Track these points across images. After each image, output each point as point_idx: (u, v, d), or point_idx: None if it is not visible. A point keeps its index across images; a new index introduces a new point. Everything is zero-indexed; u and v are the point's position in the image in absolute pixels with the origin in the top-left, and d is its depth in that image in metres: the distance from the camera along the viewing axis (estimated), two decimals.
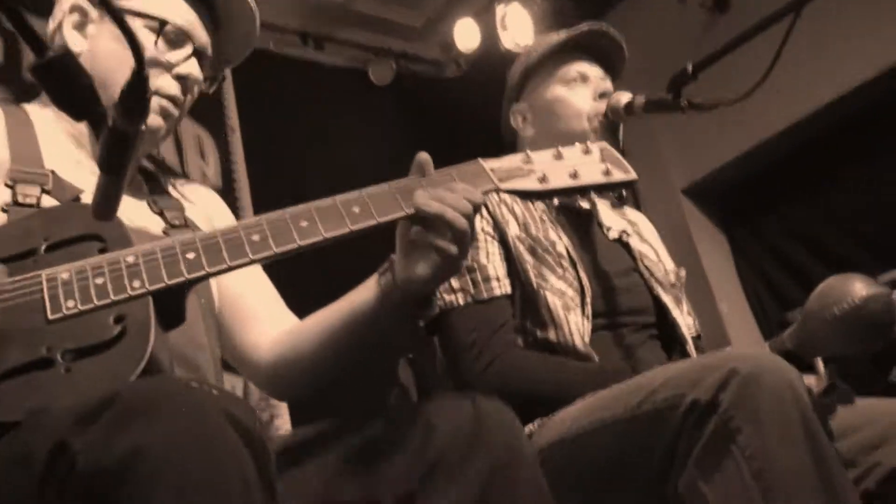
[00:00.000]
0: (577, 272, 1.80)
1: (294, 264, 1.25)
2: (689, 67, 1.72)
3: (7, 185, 1.25)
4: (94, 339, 1.02)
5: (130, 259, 1.09)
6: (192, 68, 1.42)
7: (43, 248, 1.13)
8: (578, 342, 1.72)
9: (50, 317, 1.03)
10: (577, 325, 1.73)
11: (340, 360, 1.34)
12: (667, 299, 1.92)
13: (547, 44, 2.05)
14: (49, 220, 1.19)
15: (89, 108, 0.75)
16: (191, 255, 1.10)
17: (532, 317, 1.75)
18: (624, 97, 1.91)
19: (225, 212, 1.59)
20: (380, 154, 3.32)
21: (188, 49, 1.43)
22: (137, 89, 0.77)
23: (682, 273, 2.02)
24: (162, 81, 1.39)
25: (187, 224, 1.44)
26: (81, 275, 1.08)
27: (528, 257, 1.80)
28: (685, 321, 1.95)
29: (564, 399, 1.60)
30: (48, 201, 1.26)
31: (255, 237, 1.14)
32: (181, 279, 1.09)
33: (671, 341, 1.90)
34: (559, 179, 1.31)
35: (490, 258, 1.80)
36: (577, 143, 1.39)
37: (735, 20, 3.74)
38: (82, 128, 1.41)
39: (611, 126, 1.94)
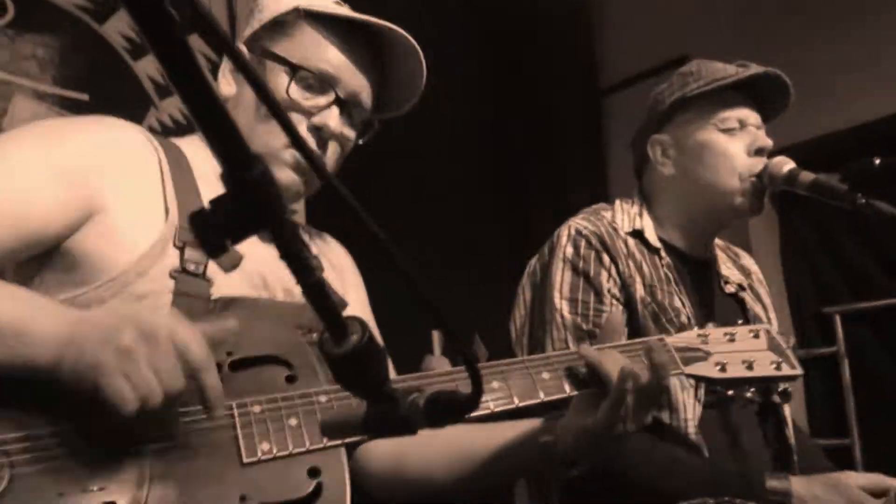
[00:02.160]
0: None
1: None
2: (877, 161, 1.63)
3: (176, 247, 1.22)
4: (290, 494, 1.04)
5: (323, 399, 1.10)
6: (330, 118, 1.34)
7: (227, 364, 1.11)
8: (692, 430, 1.75)
9: (245, 459, 1.04)
10: (691, 410, 1.76)
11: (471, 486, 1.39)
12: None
13: (712, 77, 1.93)
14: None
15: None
16: None
17: None
18: (786, 165, 1.83)
19: (357, 280, 1.54)
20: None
21: (329, 96, 1.35)
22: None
23: (792, 341, 2.01)
24: None
25: None
26: (274, 412, 1.08)
27: (651, 324, 1.80)
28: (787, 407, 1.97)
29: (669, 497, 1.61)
30: (213, 269, 1.22)
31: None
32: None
33: (767, 414, 1.92)
34: (736, 370, 1.41)
35: None
36: (741, 325, 1.48)
37: None
38: None
39: (759, 190, 1.88)
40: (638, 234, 1.94)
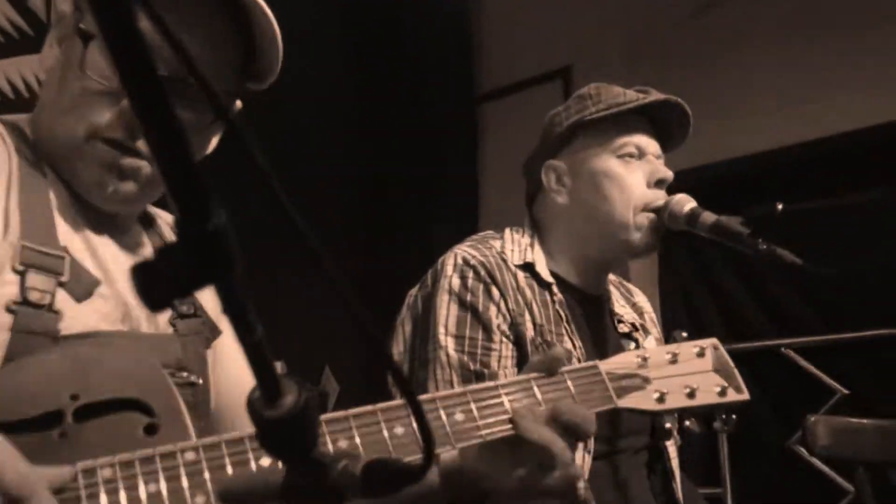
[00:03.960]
0: None
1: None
2: (779, 207, 1.78)
3: (16, 271, 1.11)
4: None
5: (190, 457, 1.00)
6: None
7: (71, 413, 1.01)
8: (581, 486, 1.79)
9: None
10: (580, 463, 1.78)
11: None
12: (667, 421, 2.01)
13: (612, 101, 2.00)
14: (78, 361, 1.07)
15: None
16: (265, 461, 1.02)
17: None
18: (687, 203, 1.91)
19: None
20: None
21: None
22: None
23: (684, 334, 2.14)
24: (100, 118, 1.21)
25: (197, 313, 1.34)
26: (129, 477, 0.97)
27: None
28: (675, 448, 2.05)
29: None
30: (63, 298, 1.14)
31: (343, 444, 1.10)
32: None
33: (655, 463, 2.01)
34: (676, 399, 1.41)
35: (502, 363, 1.82)
36: (687, 341, 1.49)
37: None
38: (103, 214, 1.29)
39: (657, 227, 1.95)
40: (528, 268, 1.97)
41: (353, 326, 0.63)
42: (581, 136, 2.04)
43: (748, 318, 4.18)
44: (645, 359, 1.42)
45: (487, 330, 1.85)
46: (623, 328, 2.09)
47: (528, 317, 1.88)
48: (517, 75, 4.51)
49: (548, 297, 1.95)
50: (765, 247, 1.79)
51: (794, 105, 3.85)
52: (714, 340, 1.51)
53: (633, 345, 2.05)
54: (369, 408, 1.14)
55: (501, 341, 1.84)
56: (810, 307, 3.99)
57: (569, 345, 1.90)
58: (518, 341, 1.86)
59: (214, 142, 1.37)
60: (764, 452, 3.90)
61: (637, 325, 2.14)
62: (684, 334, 1.54)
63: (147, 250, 1.35)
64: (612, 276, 2.19)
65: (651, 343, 2.18)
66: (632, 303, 2.21)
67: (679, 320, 4.41)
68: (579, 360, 1.90)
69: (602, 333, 2.04)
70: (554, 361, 1.31)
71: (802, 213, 1.73)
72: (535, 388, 1.28)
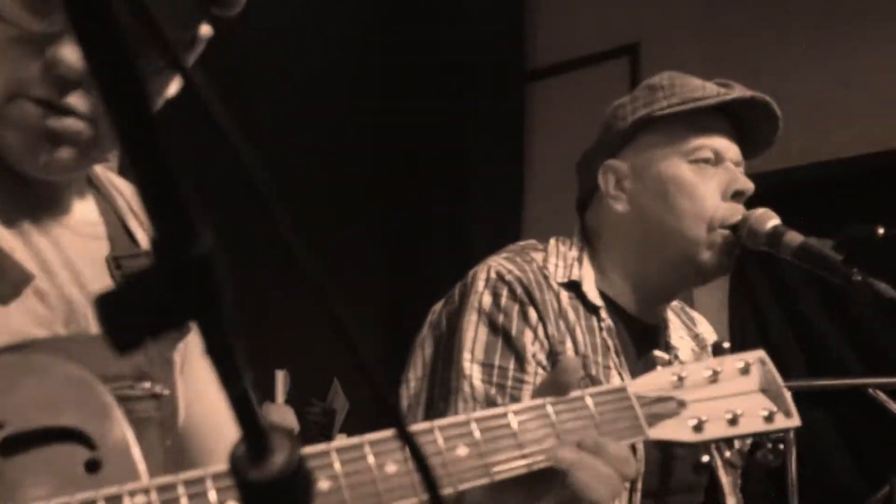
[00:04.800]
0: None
1: None
2: (881, 231, 1.69)
3: None
4: None
5: (140, 500, 0.93)
6: (67, 53, 1.05)
7: None
8: None
9: None
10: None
11: None
12: (725, 481, 1.92)
13: (689, 95, 1.91)
14: (1, 379, 0.98)
15: None
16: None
17: None
18: (769, 220, 1.84)
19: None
20: None
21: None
22: None
23: (747, 445, 2.08)
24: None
25: None
26: None
27: None
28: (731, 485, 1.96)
29: None
30: None
31: None
32: None
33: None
34: (717, 428, 1.36)
35: None
36: (730, 354, 1.44)
37: None
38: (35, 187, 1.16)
39: (731, 245, 1.88)
40: (574, 287, 1.90)
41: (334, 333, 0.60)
42: (648, 133, 1.95)
43: (833, 351, 4.11)
44: (681, 378, 1.36)
45: (520, 359, 1.79)
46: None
47: (569, 344, 1.82)
48: (574, 51, 4.38)
49: (595, 323, 1.88)
50: (860, 278, 1.71)
51: None
52: (761, 353, 1.45)
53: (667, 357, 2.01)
54: (356, 440, 1.08)
55: (536, 373, 1.77)
56: None
57: (616, 380, 1.82)
58: None
59: (171, 90, 1.22)
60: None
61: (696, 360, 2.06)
62: (726, 345, 1.47)
63: (97, 230, 1.24)
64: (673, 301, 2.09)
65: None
66: (693, 333, 2.12)
67: (749, 346, 4.33)
68: None
69: (654, 368, 1.97)
70: (562, 375, 1.26)
71: None
72: (552, 413, 1.24)
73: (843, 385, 3.79)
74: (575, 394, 1.27)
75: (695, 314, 2.21)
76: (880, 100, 3.79)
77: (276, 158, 3.40)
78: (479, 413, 1.20)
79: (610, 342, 1.89)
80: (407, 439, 0.65)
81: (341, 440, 1.08)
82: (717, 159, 1.93)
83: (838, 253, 1.75)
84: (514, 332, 1.81)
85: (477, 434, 1.16)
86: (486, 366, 1.80)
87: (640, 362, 1.94)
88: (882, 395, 3.76)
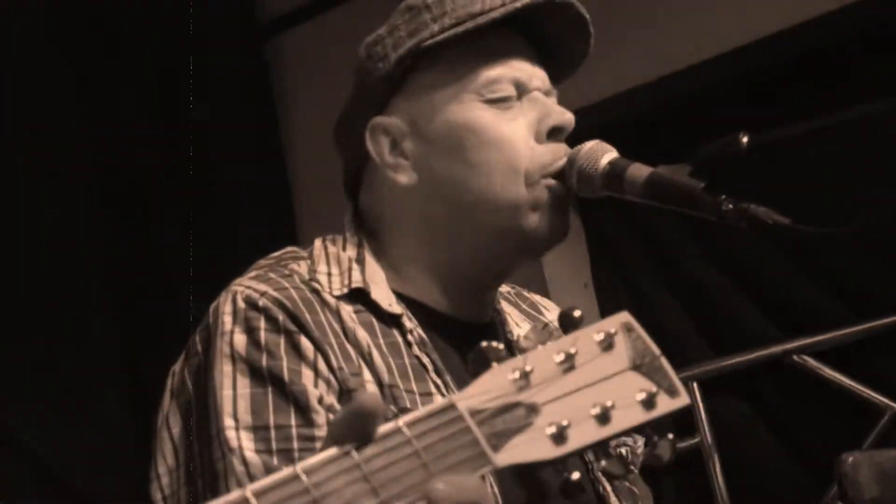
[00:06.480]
0: None
1: None
2: (744, 139, 1.74)
3: None
4: None
5: None
6: None
7: None
8: None
9: None
10: None
11: None
12: (615, 498, 2.00)
13: (465, 10, 1.94)
14: None
15: None
16: None
17: None
18: (603, 155, 1.87)
19: None
20: None
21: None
22: None
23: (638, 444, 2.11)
24: None
25: None
26: None
27: None
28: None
29: None
30: None
31: None
32: None
33: None
34: (583, 432, 1.35)
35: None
36: (583, 326, 1.42)
37: None
38: None
39: (562, 198, 1.92)
40: (359, 296, 1.91)
41: None
42: (422, 71, 1.96)
43: (737, 318, 4.20)
44: (525, 373, 1.35)
45: (303, 409, 1.77)
46: None
47: (367, 375, 1.80)
48: None
49: (398, 338, 1.90)
50: (731, 206, 1.73)
51: None
52: (624, 317, 1.43)
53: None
54: None
55: (329, 421, 1.72)
56: (823, 290, 4.02)
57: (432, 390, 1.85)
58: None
59: None
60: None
61: None
62: (577, 313, 1.45)
63: None
64: (504, 287, 2.13)
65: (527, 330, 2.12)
66: (543, 323, 2.11)
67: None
68: None
69: (487, 369, 1.96)
70: (357, 421, 1.23)
71: (774, 146, 1.68)
72: (360, 461, 1.23)
73: (757, 358, 3.89)
74: (386, 427, 1.24)
75: (539, 299, 2.25)
76: None
77: None
78: (257, 484, 1.15)
79: (425, 359, 1.90)
80: None
81: None
82: (521, 91, 1.96)
83: (699, 179, 1.74)
84: (285, 375, 1.78)
85: None
86: (259, 429, 1.77)
87: (471, 370, 1.92)
88: (811, 361, 3.87)
